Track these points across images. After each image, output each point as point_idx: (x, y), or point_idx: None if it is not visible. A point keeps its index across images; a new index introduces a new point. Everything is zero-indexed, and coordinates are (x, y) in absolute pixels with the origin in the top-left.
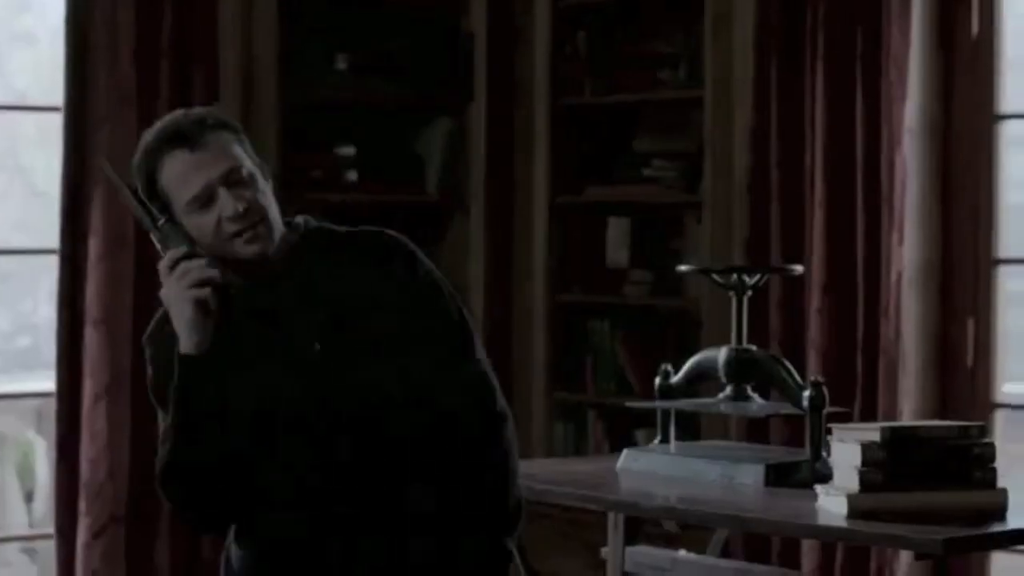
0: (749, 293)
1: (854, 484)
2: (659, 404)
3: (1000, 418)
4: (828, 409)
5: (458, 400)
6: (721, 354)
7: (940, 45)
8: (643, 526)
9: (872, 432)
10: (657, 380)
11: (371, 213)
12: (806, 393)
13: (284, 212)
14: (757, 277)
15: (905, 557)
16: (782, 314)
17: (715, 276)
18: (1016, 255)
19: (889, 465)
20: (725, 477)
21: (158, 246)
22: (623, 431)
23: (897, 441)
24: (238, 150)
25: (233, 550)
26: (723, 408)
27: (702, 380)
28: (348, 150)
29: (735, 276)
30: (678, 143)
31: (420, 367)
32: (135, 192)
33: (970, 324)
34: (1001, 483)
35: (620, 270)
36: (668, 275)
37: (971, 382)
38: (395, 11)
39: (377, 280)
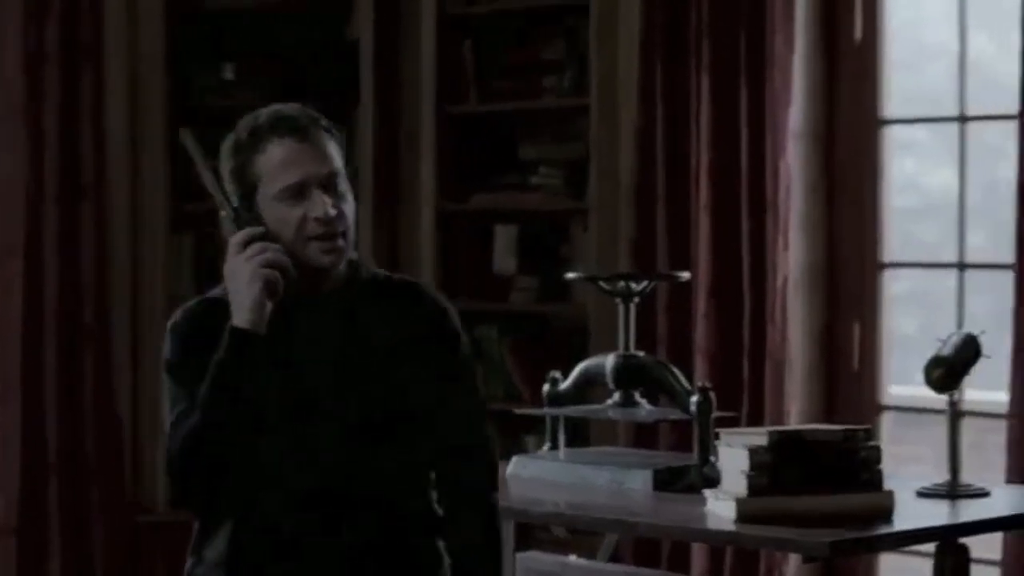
0: (636, 300)
1: (742, 488)
2: (547, 411)
3: (887, 420)
4: (716, 414)
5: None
6: (609, 360)
7: (824, 50)
8: (533, 532)
9: (759, 436)
10: (546, 387)
11: None
12: (694, 398)
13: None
14: (644, 284)
15: (794, 560)
16: (669, 319)
17: (602, 283)
18: (901, 259)
19: (776, 469)
20: (614, 482)
21: (227, 225)
22: (512, 438)
23: (783, 445)
24: (340, 160)
25: (201, 569)
26: (611, 414)
27: (590, 386)
28: None
29: (622, 283)
30: (564, 150)
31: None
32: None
33: (856, 327)
34: (888, 485)
35: (507, 277)
36: (555, 282)
37: (858, 385)
38: (281, 19)
39: (412, 334)
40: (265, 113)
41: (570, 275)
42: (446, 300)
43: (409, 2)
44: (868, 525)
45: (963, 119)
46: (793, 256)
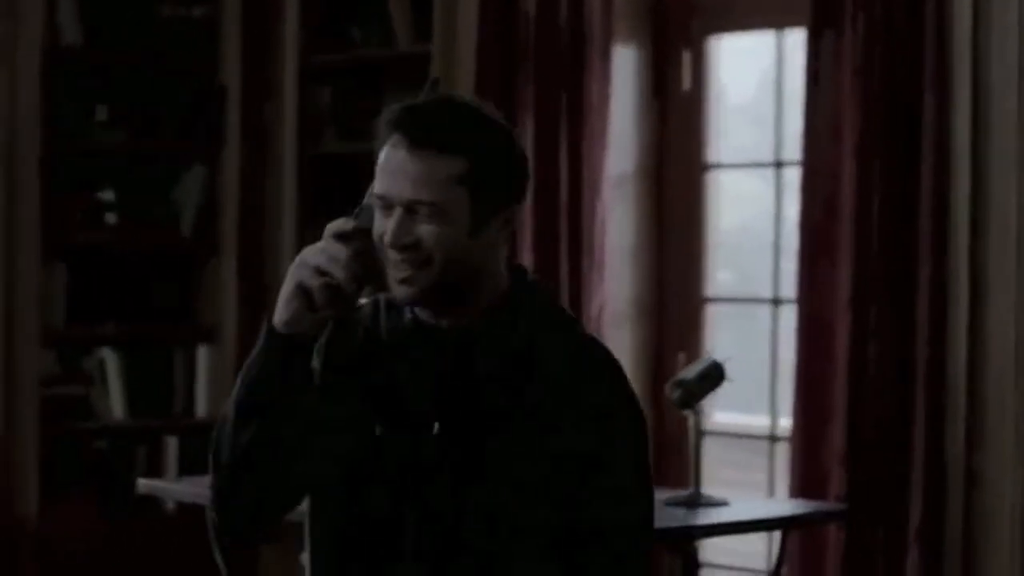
0: None
1: None
2: None
3: (716, 445)
4: None
5: None
6: None
7: (651, 100)
8: None
9: None
10: None
11: (129, 254)
12: None
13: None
14: None
15: None
16: None
17: None
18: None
19: None
20: None
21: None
22: None
23: None
24: (447, 185)
25: None
26: None
27: None
28: (108, 194)
29: None
30: None
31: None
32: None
33: (681, 357)
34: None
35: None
36: None
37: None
38: (154, 65)
39: (574, 420)
40: (409, 100)
41: None
42: (628, 399)
43: (274, 52)
44: None
45: (778, 165)
46: (617, 289)
